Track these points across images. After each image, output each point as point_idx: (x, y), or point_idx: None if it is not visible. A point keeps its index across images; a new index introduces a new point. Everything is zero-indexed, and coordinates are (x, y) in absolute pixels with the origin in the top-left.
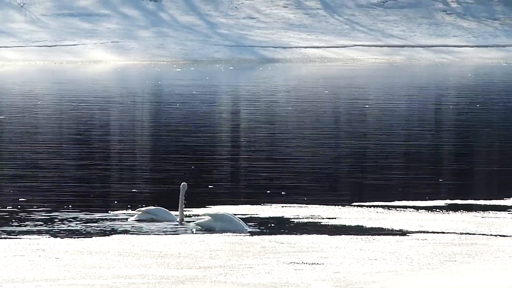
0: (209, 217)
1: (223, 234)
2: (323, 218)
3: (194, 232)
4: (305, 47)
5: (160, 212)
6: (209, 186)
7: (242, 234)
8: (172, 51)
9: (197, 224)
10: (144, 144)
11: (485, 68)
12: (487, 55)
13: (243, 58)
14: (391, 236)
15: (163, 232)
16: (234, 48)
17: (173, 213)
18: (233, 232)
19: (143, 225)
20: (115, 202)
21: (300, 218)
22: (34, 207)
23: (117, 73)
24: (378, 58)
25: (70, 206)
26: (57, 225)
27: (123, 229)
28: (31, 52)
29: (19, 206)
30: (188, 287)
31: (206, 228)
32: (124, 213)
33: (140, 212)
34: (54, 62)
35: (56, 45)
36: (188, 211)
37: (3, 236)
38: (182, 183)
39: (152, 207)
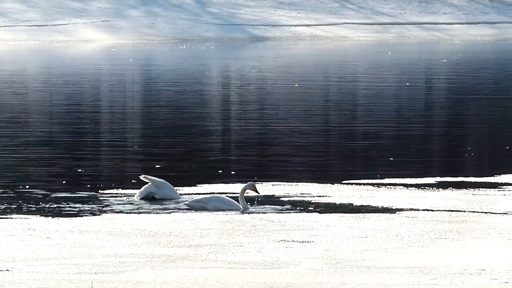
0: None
1: (214, 213)
2: (313, 196)
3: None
4: (295, 26)
5: (165, 188)
6: (199, 164)
7: (233, 212)
8: (163, 30)
9: (187, 205)
10: (133, 124)
11: (475, 46)
12: (477, 32)
13: (233, 36)
14: (381, 214)
15: (154, 211)
16: (224, 27)
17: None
18: (227, 211)
19: (135, 203)
20: (106, 181)
21: (291, 196)
22: (25, 186)
23: (106, 53)
24: (368, 36)
25: (60, 185)
26: (48, 205)
27: (113, 208)
28: (21, 32)
29: (9, 186)
30: (178, 265)
31: (198, 208)
32: (116, 193)
33: (144, 187)
34: (44, 42)
35: (46, 25)
36: (179, 190)
37: None
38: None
39: (157, 181)
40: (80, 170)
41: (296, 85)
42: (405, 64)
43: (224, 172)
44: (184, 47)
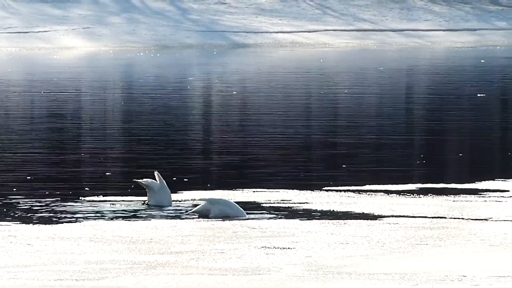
0: (205, 202)
1: (194, 219)
2: (294, 203)
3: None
4: (276, 32)
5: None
6: (179, 171)
7: (214, 219)
8: (144, 37)
9: (194, 212)
10: (115, 130)
11: (455, 52)
12: (458, 39)
13: (215, 43)
14: (362, 220)
15: (135, 217)
16: (206, 34)
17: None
18: (232, 217)
19: (113, 208)
20: (87, 188)
21: (271, 203)
22: (5, 193)
23: (86, 60)
24: (350, 43)
25: (41, 192)
26: (28, 211)
27: (94, 215)
28: (2, 39)
29: None
30: (159, 272)
31: (203, 214)
32: (97, 200)
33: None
34: (25, 49)
35: (27, 32)
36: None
37: None
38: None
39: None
40: (61, 176)
41: (274, 85)
42: (386, 70)
43: (204, 179)
44: (158, 54)
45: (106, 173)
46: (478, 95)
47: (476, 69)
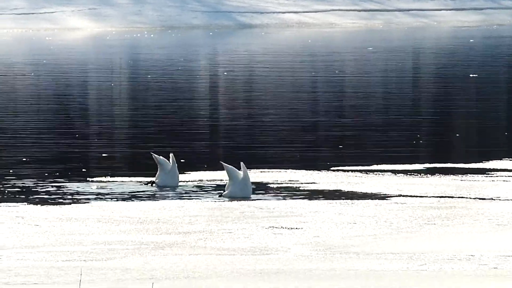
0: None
1: (202, 199)
2: (302, 183)
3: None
4: (283, 12)
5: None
6: (187, 151)
7: (222, 199)
8: (150, 18)
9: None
10: (121, 110)
11: (461, 32)
12: (465, 18)
13: (221, 24)
14: (370, 200)
15: (142, 198)
16: (212, 14)
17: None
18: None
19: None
20: (94, 168)
21: (279, 183)
22: (12, 174)
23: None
24: (356, 23)
25: (48, 173)
26: (36, 192)
27: (101, 196)
28: (8, 20)
29: None
30: (167, 252)
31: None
32: (105, 180)
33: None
34: (31, 30)
35: (33, 13)
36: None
37: None
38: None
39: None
40: (70, 158)
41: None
42: (392, 49)
43: (211, 159)
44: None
45: (114, 154)
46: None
47: (482, 48)
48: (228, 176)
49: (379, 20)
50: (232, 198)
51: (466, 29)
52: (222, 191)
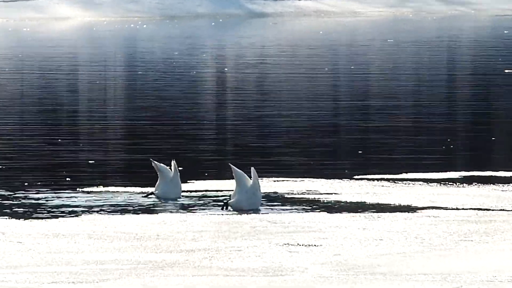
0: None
1: (207, 213)
2: (321, 194)
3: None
4: None
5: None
6: (196, 158)
7: (230, 212)
8: (148, 6)
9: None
10: (115, 114)
11: (501, 22)
12: (506, 6)
13: (229, 12)
14: (398, 213)
15: (140, 211)
16: (218, 1)
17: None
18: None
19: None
20: (84, 177)
21: (295, 194)
22: None
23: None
24: (382, 11)
25: (33, 183)
26: (18, 205)
27: (93, 208)
28: None
29: None
30: (168, 273)
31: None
32: (96, 191)
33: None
34: (13, 20)
35: (16, 0)
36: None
37: None
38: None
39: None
40: (56, 166)
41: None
42: (424, 42)
43: (218, 166)
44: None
45: (107, 161)
46: None
47: None
48: (236, 181)
49: (408, 8)
50: (237, 207)
51: (507, 18)
52: (228, 198)
